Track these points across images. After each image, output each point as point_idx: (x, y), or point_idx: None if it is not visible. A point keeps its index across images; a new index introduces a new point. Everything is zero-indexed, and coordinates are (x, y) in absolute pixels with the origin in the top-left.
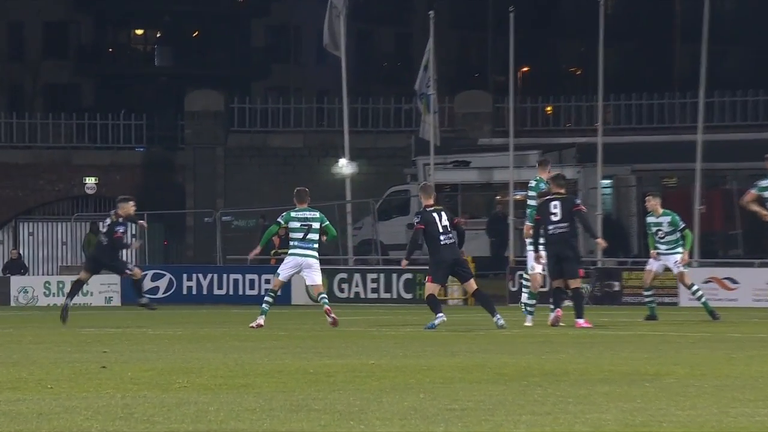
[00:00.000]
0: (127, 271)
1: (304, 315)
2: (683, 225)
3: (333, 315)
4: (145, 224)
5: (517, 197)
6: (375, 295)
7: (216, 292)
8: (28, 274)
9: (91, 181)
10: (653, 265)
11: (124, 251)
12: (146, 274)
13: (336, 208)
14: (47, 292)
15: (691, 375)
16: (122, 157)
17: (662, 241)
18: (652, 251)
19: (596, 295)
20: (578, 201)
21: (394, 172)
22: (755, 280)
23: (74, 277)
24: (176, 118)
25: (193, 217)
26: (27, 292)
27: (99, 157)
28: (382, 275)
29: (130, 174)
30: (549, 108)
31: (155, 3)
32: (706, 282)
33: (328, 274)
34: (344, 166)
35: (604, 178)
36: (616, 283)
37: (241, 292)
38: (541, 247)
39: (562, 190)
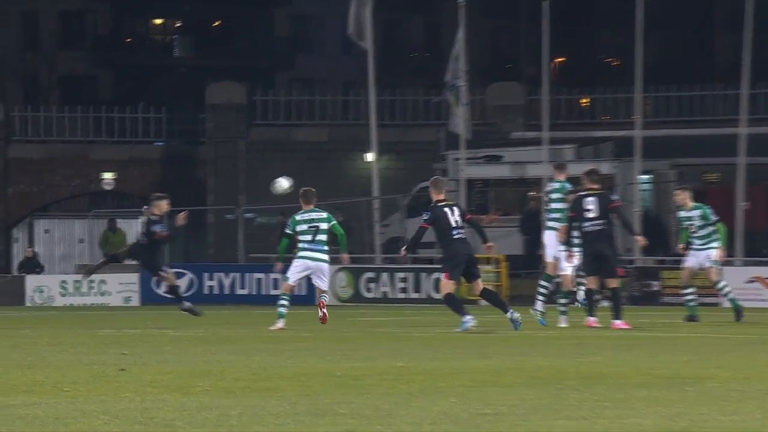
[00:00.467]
0: (162, 273)
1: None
2: (715, 218)
3: (325, 310)
4: (184, 220)
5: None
6: (404, 295)
7: (238, 291)
8: (44, 273)
9: (108, 176)
10: (690, 261)
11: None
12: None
13: (363, 205)
14: (64, 292)
15: (734, 379)
16: (141, 152)
17: (695, 235)
18: (680, 245)
19: (635, 295)
20: (615, 197)
21: (423, 167)
22: None
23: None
24: (197, 111)
25: (215, 214)
26: (43, 292)
27: (117, 151)
28: (411, 274)
29: (149, 169)
30: (585, 100)
31: None
32: (750, 282)
33: (354, 273)
34: (279, 185)
35: (643, 173)
36: (656, 283)
37: (264, 292)
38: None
39: (597, 186)
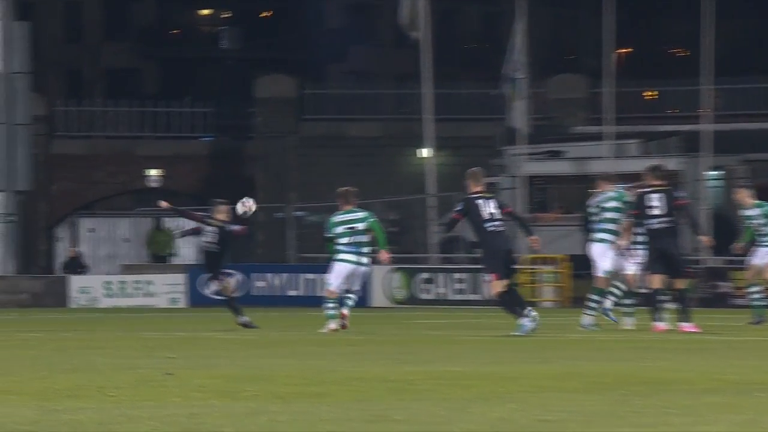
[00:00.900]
0: (222, 279)
1: (384, 318)
2: None
3: (347, 322)
4: (254, 206)
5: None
6: (461, 297)
7: (289, 293)
8: (88, 274)
9: (154, 173)
10: (756, 259)
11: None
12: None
13: (417, 203)
14: (108, 293)
15: None
16: (187, 148)
17: (761, 233)
18: (736, 245)
19: (703, 296)
20: (682, 194)
21: (481, 163)
22: None
23: (138, 277)
24: (245, 105)
25: (264, 212)
26: (87, 293)
27: (163, 147)
28: (468, 275)
29: (196, 165)
30: (650, 93)
31: None
32: None
33: (409, 274)
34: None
35: (712, 169)
36: (725, 284)
37: (316, 293)
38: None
39: (662, 182)
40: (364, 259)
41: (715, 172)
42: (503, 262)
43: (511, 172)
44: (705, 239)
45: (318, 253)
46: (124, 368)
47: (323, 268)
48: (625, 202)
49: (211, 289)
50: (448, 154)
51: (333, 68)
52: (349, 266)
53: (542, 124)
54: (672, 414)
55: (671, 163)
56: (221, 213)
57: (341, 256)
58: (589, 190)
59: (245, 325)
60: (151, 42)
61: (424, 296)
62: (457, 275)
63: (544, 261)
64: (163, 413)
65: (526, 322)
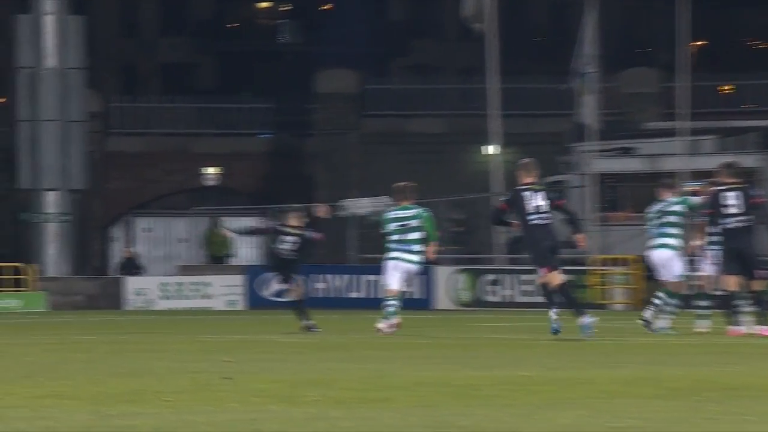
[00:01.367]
0: (293, 284)
1: (448, 321)
2: None
3: (396, 326)
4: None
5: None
6: (528, 299)
7: (350, 294)
8: (144, 275)
9: (211, 171)
10: None
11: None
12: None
13: (483, 202)
14: (164, 295)
15: None
16: (245, 145)
17: None
18: None
19: None
20: (759, 192)
21: (548, 160)
22: None
23: (195, 278)
24: (305, 100)
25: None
26: (142, 295)
27: (220, 144)
28: (536, 276)
29: (254, 163)
30: (727, 87)
31: None
32: None
33: (474, 275)
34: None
35: None
36: None
37: (377, 295)
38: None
39: (737, 180)
40: (415, 258)
41: None
42: (549, 254)
43: (581, 169)
44: None
45: (380, 253)
46: (180, 372)
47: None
48: (690, 207)
49: (272, 290)
50: (514, 152)
51: (395, 62)
52: (399, 264)
53: (613, 119)
54: (749, 421)
55: (748, 160)
56: (294, 219)
57: (392, 254)
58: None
59: (308, 329)
60: (209, 36)
61: (490, 298)
62: (524, 276)
63: (615, 262)
64: (220, 419)
65: (586, 320)
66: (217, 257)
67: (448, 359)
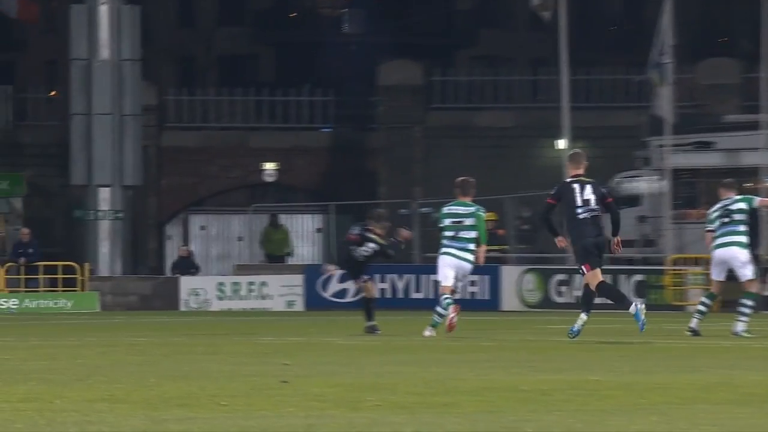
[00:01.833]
0: (364, 281)
1: (515, 323)
2: None
3: (454, 320)
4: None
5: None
6: (600, 300)
7: (413, 295)
8: (200, 274)
9: (270, 166)
10: None
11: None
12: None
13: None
14: (221, 295)
15: None
16: (306, 139)
17: None
18: None
19: None
20: None
21: (623, 155)
22: None
23: (252, 278)
24: (368, 93)
25: (387, 209)
26: (198, 295)
27: (280, 139)
28: (608, 276)
29: (315, 158)
30: None
31: None
32: None
33: (544, 275)
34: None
35: None
36: None
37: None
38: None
39: None
40: (468, 255)
41: None
42: (593, 252)
43: (656, 164)
44: None
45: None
46: (237, 375)
47: None
48: (752, 208)
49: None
50: (586, 146)
51: (462, 53)
52: (451, 260)
53: (690, 112)
54: None
55: None
56: (379, 227)
57: (444, 250)
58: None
59: (371, 330)
60: (268, 26)
61: (559, 299)
62: None
63: (692, 262)
64: (278, 424)
65: (637, 305)
66: (275, 256)
67: (515, 363)
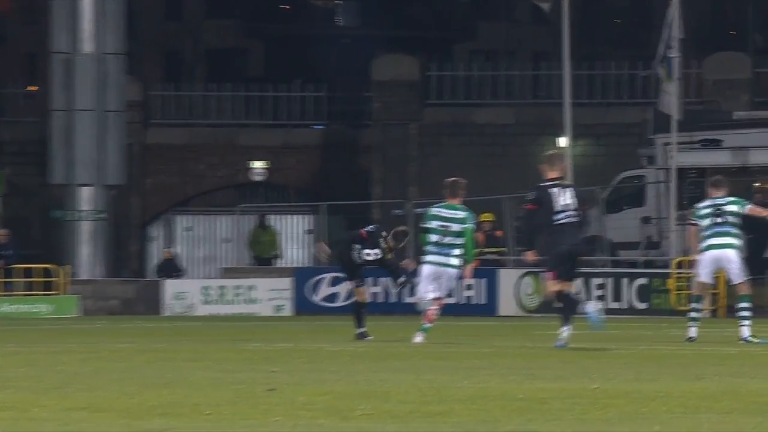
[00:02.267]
0: (359, 284)
1: (513, 328)
2: None
3: (433, 316)
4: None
5: None
6: (601, 305)
7: (407, 299)
8: (184, 278)
9: (259, 165)
10: None
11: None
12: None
13: None
14: (207, 299)
15: None
16: (297, 137)
17: None
18: None
19: None
20: None
21: (627, 153)
22: None
23: (239, 281)
24: (362, 88)
25: (381, 209)
26: (183, 299)
27: (269, 136)
28: (609, 280)
29: (306, 157)
30: None
31: None
32: None
33: (542, 279)
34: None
35: None
36: None
37: None
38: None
39: None
40: (453, 261)
41: None
42: (563, 261)
43: (661, 163)
44: None
45: None
46: (222, 383)
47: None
48: (743, 208)
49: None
50: (589, 143)
51: (460, 47)
52: (434, 268)
53: (698, 108)
54: None
55: None
56: (392, 240)
57: (427, 258)
58: (755, 184)
59: (361, 336)
60: (258, 19)
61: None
62: (596, 280)
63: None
64: None
65: (591, 308)
66: (263, 258)
67: (513, 370)
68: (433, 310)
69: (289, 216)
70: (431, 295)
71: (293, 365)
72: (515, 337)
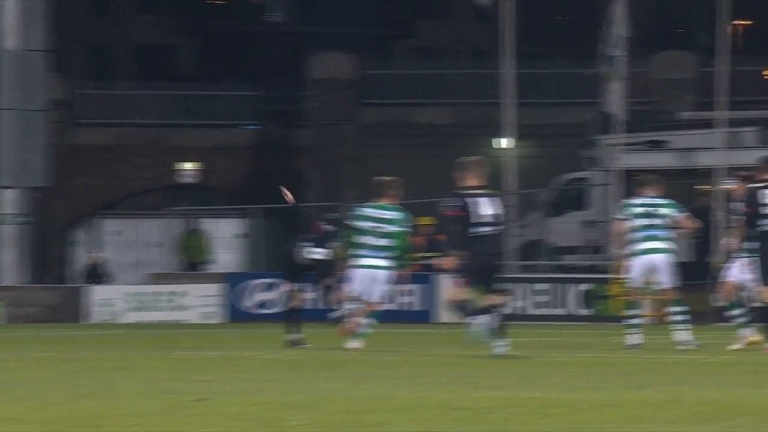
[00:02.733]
0: (296, 289)
1: (452, 336)
2: None
3: (354, 327)
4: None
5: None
6: (542, 311)
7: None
8: (111, 284)
9: (190, 167)
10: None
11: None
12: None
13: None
14: (135, 306)
15: None
16: (228, 137)
17: None
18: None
19: None
20: None
21: (572, 154)
22: None
23: (168, 287)
24: (297, 88)
25: (316, 212)
26: (109, 306)
27: (200, 137)
28: (553, 286)
29: (239, 158)
30: None
31: None
32: None
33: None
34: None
35: None
36: None
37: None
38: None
39: None
40: (383, 262)
41: None
42: (480, 273)
43: (605, 165)
44: None
45: None
46: (149, 393)
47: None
48: (677, 214)
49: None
50: (531, 145)
51: (398, 45)
52: (367, 271)
53: (643, 109)
54: None
55: None
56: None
57: (359, 260)
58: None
59: (296, 343)
60: (190, 15)
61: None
62: (539, 286)
63: None
64: None
65: (481, 321)
66: (193, 264)
67: (452, 379)
68: (355, 319)
69: (221, 219)
70: (363, 299)
71: (225, 374)
72: (454, 345)
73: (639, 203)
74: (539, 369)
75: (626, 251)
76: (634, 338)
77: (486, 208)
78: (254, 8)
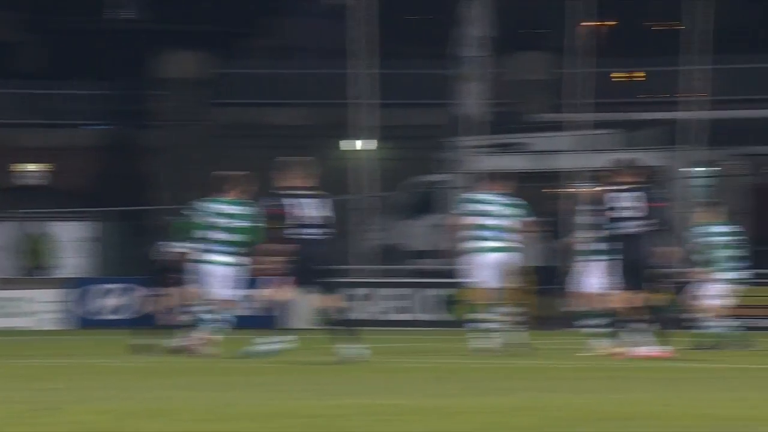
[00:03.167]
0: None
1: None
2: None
3: (197, 346)
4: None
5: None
6: (403, 316)
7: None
8: None
9: (35, 168)
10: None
11: None
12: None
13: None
14: None
15: None
16: (77, 138)
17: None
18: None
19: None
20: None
21: (426, 156)
22: None
23: (10, 293)
24: (146, 87)
25: (167, 214)
26: None
27: (47, 137)
28: (413, 290)
29: (86, 159)
30: (632, 75)
31: None
32: None
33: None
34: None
35: (702, 164)
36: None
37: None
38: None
39: (635, 179)
40: (231, 259)
41: (706, 168)
42: (308, 275)
43: (461, 167)
44: (671, 251)
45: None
46: None
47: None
48: (523, 216)
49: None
50: (387, 147)
51: (250, 43)
52: (220, 268)
53: (500, 110)
54: None
55: (651, 157)
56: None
57: (207, 257)
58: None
59: (152, 349)
60: (33, 10)
61: (356, 315)
62: (397, 290)
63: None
64: None
65: (272, 346)
66: (37, 268)
67: (308, 386)
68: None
69: (67, 222)
70: (223, 296)
71: (74, 382)
72: (306, 352)
73: (486, 199)
74: (400, 376)
75: (461, 247)
76: (482, 342)
77: (311, 209)
78: (101, 4)
